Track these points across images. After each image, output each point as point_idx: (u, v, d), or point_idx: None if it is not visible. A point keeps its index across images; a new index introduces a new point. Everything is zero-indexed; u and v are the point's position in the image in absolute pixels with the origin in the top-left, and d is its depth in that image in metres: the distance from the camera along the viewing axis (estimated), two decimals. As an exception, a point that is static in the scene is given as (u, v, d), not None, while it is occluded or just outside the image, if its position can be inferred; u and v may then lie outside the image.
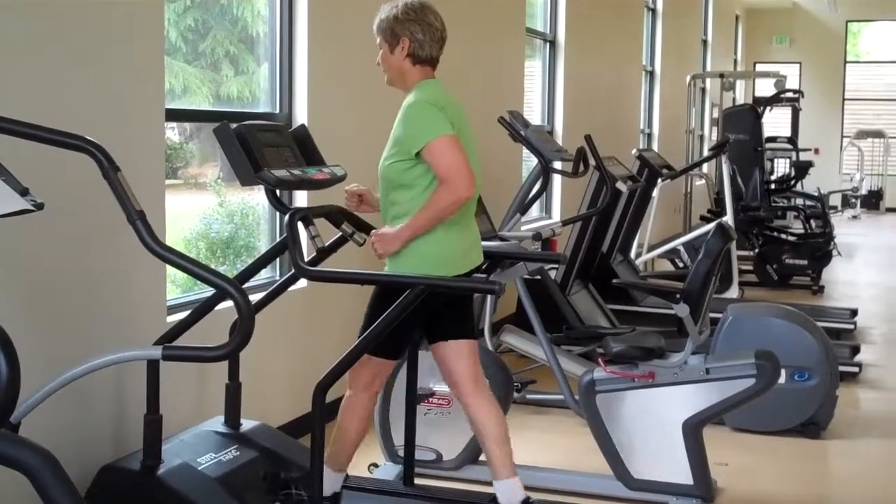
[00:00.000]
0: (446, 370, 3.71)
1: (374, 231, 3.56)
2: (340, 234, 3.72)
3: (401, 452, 4.22)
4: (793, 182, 13.46)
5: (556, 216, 9.20)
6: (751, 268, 10.49)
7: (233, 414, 4.08)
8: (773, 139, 14.63)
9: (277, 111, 5.09)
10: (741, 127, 11.72)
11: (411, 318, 3.45)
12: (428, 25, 3.52)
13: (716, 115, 14.64)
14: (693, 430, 4.16)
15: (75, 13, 3.62)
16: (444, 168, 3.36)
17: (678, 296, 4.26)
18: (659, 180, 8.47)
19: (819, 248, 10.42)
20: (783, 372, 4.40)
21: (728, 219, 9.14)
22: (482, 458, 4.50)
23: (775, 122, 16.76)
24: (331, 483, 3.76)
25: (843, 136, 21.23)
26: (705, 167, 11.57)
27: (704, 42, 16.99)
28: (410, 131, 3.41)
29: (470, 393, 3.67)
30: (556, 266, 6.55)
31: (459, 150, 3.38)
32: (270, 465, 3.95)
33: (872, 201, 20.40)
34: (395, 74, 3.59)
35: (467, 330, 3.73)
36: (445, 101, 3.50)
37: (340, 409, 3.76)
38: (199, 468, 3.68)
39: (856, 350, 7.05)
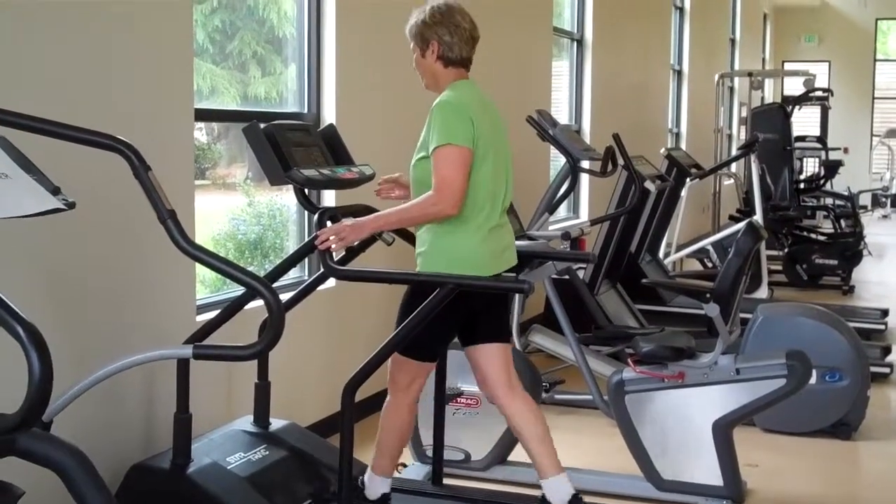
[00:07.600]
0: (480, 375, 3.67)
1: (344, 220, 3.47)
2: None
3: (429, 452, 4.22)
4: (822, 181, 13.36)
5: (585, 215, 9.17)
6: (780, 268, 10.41)
7: (262, 413, 4.10)
8: (802, 138, 14.50)
9: (306, 111, 5.10)
10: (770, 126, 11.63)
11: (447, 319, 3.45)
12: (455, 27, 3.50)
13: (744, 114, 14.53)
14: (723, 431, 4.14)
15: (105, 15, 3.64)
16: (440, 178, 3.32)
17: (708, 295, 4.23)
18: (687, 180, 8.42)
19: (849, 248, 10.33)
20: (814, 372, 4.37)
21: (757, 218, 9.07)
22: (510, 457, 4.51)
23: (804, 121, 16.61)
24: (377, 487, 3.77)
25: (872, 135, 21.01)
26: (734, 166, 11.50)
27: (732, 41, 16.90)
28: (433, 129, 3.38)
29: (504, 396, 3.63)
30: (584, 266, 6.53)
31: (462, 167, 3.33)
32: (299, 464, 3.96)
33: (902, 200, 20.20)
34: (429, 78, 3.58)
35: (502, 333, 3.69)
36: (476, 104, 3.46)
37: (382, 413, 3.72)
38: (229, 467, 3.69)
39: (887, 351, 6.99)
